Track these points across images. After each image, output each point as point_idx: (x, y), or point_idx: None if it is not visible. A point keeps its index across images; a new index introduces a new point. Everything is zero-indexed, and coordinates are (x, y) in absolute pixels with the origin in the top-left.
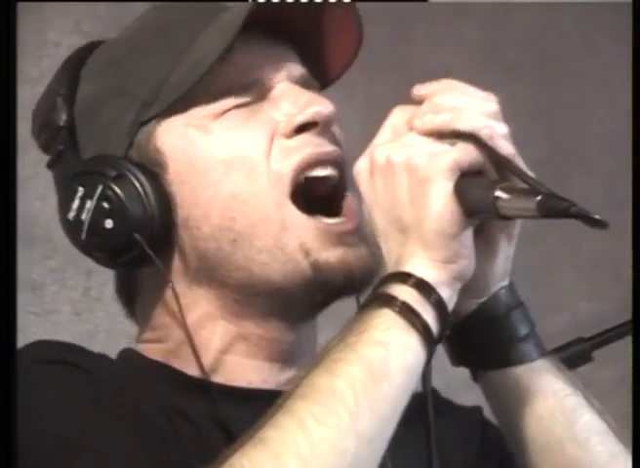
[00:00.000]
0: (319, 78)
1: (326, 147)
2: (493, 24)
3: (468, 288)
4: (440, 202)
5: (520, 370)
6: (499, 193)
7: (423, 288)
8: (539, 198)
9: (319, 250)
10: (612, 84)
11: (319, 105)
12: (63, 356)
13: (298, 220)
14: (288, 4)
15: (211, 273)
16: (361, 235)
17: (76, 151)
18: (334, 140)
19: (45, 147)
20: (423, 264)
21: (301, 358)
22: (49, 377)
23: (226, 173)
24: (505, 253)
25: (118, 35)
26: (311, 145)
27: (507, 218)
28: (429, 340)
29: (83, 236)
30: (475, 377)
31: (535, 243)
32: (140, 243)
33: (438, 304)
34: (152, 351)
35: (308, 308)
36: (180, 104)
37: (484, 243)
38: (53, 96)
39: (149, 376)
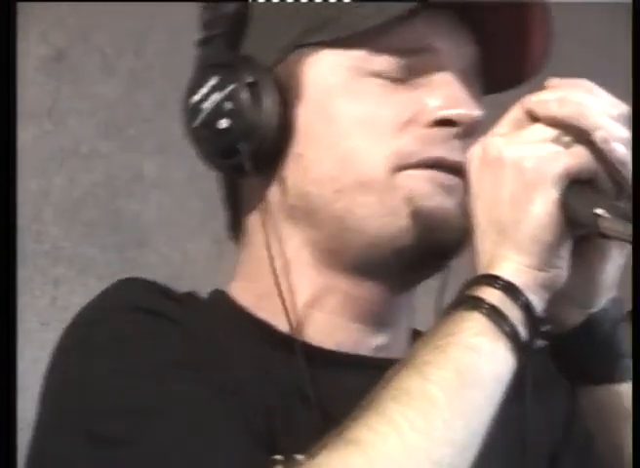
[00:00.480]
0: (491, 78)
1: (456, 155)
2: None
3: (575, 297)
4: (542, 209)
5: (622, 388)
6: (600, 211)
7: (511, 291)
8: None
9: (425, 197)
10: None
11: (466, 108)
12: (149, 304)
13: (408, 175)
14: None
15: (307, 215)
16: (464, 203)
17: (231, 42)
18: (465, 150)
19: (207, 24)
20: (514, 268)
21: (397, 326)
22: (134, 329)
23: (355, 129)
24: (615, 264)
25: None
26: (442, 148)
27: (607, 237)
28: (518, 346)
29: (196, 123)
30: (575, 389)
31: None
32: (242, 153)
33: (526, 307)
34: (243, 294)
35: (403, 268)
36: (343, 44)
37: (592, 252)
38: None
39: (239, 329)
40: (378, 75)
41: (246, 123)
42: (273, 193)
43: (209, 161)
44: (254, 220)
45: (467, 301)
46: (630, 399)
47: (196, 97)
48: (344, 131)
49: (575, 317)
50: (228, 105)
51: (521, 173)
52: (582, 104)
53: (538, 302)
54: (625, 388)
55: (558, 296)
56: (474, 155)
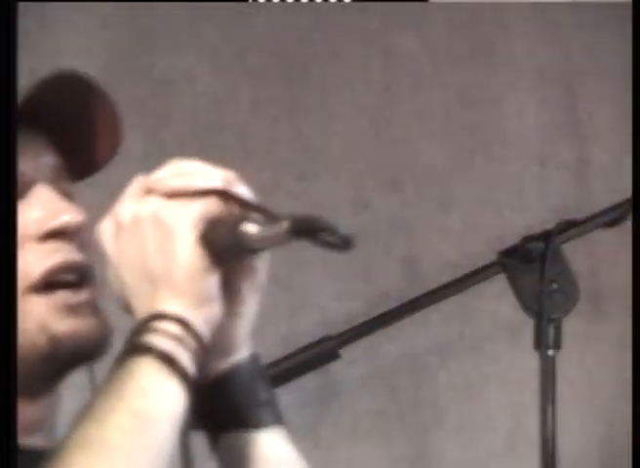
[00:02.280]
0: (81, 166)
1: (74, 255)
2: (234, 28)
3: (218, 344)
4: (186, 250)
5: (259, 436)
6: (248, 228)
7: (181, 323)
8: (288, 221)
9: (54, 323)
10: (355, 85)
11: (69, 214)
12: None
13: (36, 303)
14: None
15: None
16: (95, 306)
17: None
18: (82, 248)
19: None
20: (176, 306)
21: (44, 427)
22: None
23: None
24: (251, 305)
25: None
26: (60, 252)
27: (258, 251)
28: (188, 382)
29: None
30: (213, 442)
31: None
32: None
33: (196, 338)
34: None
35: (47, 382)
36: None
37: (232, 294)
38: None
39: None
40: None
41: None
42: None
43: None
44: None
45: (138, 347)
46: (267, 446)
47: None
48: None
49: (219, 365)
50: None
51: (159, 224)
52: (195, 171)
53: (205, 336)
54: (262, 436)
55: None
56: (104, 229)
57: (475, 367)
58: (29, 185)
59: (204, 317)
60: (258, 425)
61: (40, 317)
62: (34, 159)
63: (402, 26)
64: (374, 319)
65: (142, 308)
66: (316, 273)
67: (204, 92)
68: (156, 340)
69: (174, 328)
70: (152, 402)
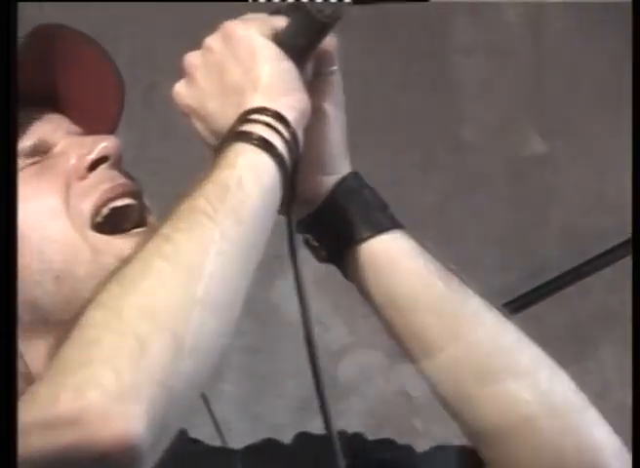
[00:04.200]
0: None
1: (121, 180)
2: None
3: (315, 163)
4: (262, 50)
5: (388, 236)
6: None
7: (271, 112)
8: None
9: (124, 250)
10: None
11: (105, 141)
12: None
13: (107, 241)
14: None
15: (45, 319)
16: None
17: None
18: (126, 174)
19: None
20: (264, 102)
21: None
22: None
23: (30, 224)
24: (338, 121)
25: None
26: (107, 180)
27: (326, 25)
28: (283, 169)
29: None
30: (340, 263)
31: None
32: None
33: (289, 127)
34: None
35: None
36: None
37: (315, 113)
38: None
39: None
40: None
41: None
42: None
43: None
44: None
45: (226, 140)
46: (395, 248)
47: None
48: (25, 231)
49: (323, 184)
50: None
51: (228, 38)
52: None
53: (296, 125)
54: (388, 239)
55: (302, 167)
56: (178, 87)
57: None
58: (52, 148)
59: (292, 107)
60: (380, 230)
61: (118, 252)
62: (49, 123)
63: None
64: (534, 289)
65: (233, 115)
66: (472, 246)
67: None
68: (246, 127)
69: (264, 117)
70: (237, 171)
